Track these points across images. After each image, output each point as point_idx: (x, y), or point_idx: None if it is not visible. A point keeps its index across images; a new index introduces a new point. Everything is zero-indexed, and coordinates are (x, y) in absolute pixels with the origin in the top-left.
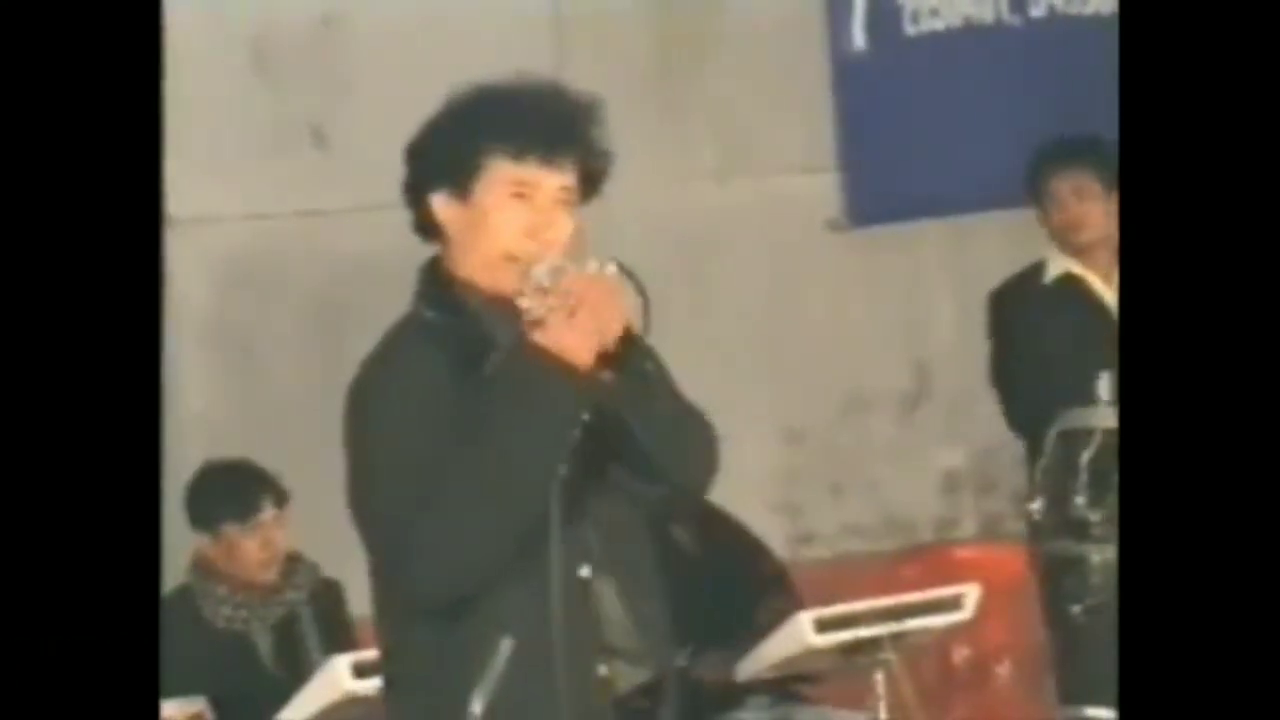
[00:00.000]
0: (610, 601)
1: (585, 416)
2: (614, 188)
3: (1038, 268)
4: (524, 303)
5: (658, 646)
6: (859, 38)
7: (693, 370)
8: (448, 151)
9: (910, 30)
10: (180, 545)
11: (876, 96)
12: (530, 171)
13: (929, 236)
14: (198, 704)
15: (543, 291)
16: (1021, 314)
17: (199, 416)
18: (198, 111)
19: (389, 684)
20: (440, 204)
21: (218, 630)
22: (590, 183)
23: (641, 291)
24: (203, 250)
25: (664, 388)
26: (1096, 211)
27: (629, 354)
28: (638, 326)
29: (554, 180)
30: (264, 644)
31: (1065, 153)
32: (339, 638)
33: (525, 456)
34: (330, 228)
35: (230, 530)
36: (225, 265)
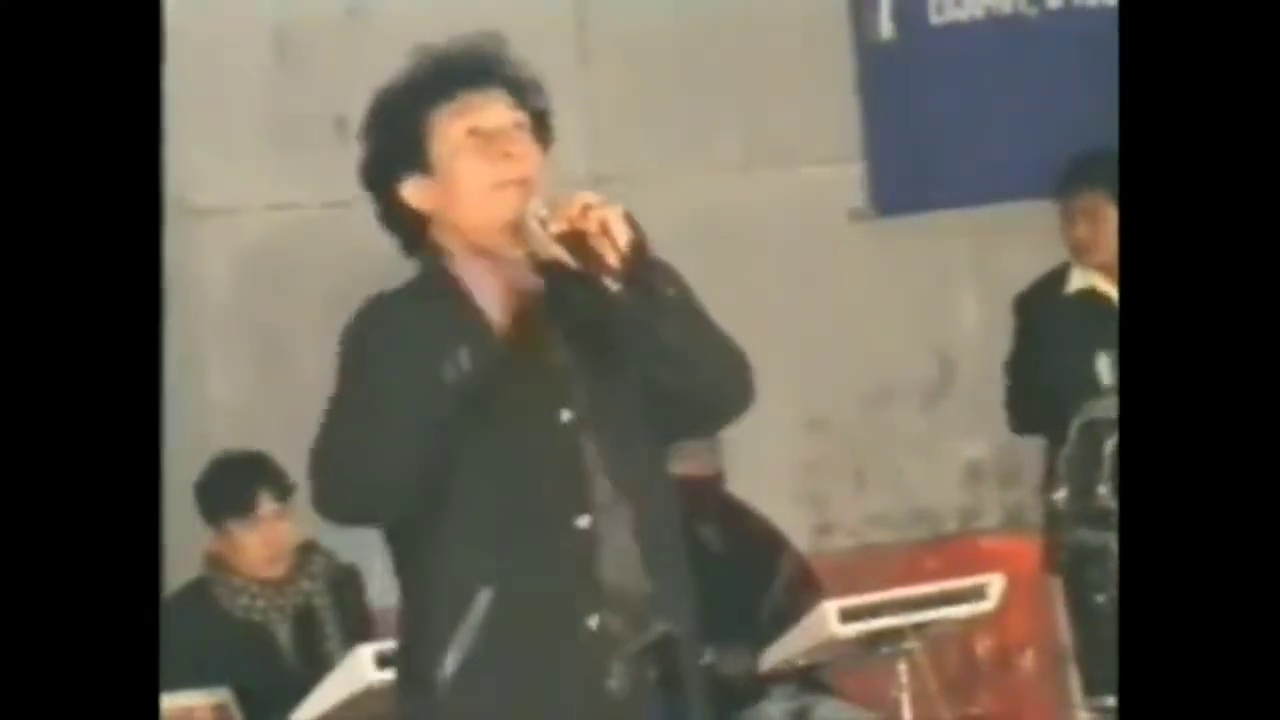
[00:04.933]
0: (617, 554)
1: (465, 362)
2: (638, 177)
3: (1061, 275)
4: (530, 232)
5: (670, 603)
6: (885, 27)
7: None
8: (392, 138)
9: (936, 20)
10: (198, 538)
11: (902, 86)
12: (465, 101)
13: (953, 227)
14: (221, 694)
15: (542, 222)
16: (1041, 323)
17: (219, 406)
18: (220, 102)
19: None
20: (412, 190)
21: (237, 621)
22: (539, 118)
23: (639, 230)
24: (225, 241)
25: (687, 309)
26: (1108, 233)
27: (644, 272)
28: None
29: (496, 105)
30: (283, 634)
31: (1082, 172)
32: (359, 627)
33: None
34: (353, 219)
35: (233, 527)
36: (247, 256)
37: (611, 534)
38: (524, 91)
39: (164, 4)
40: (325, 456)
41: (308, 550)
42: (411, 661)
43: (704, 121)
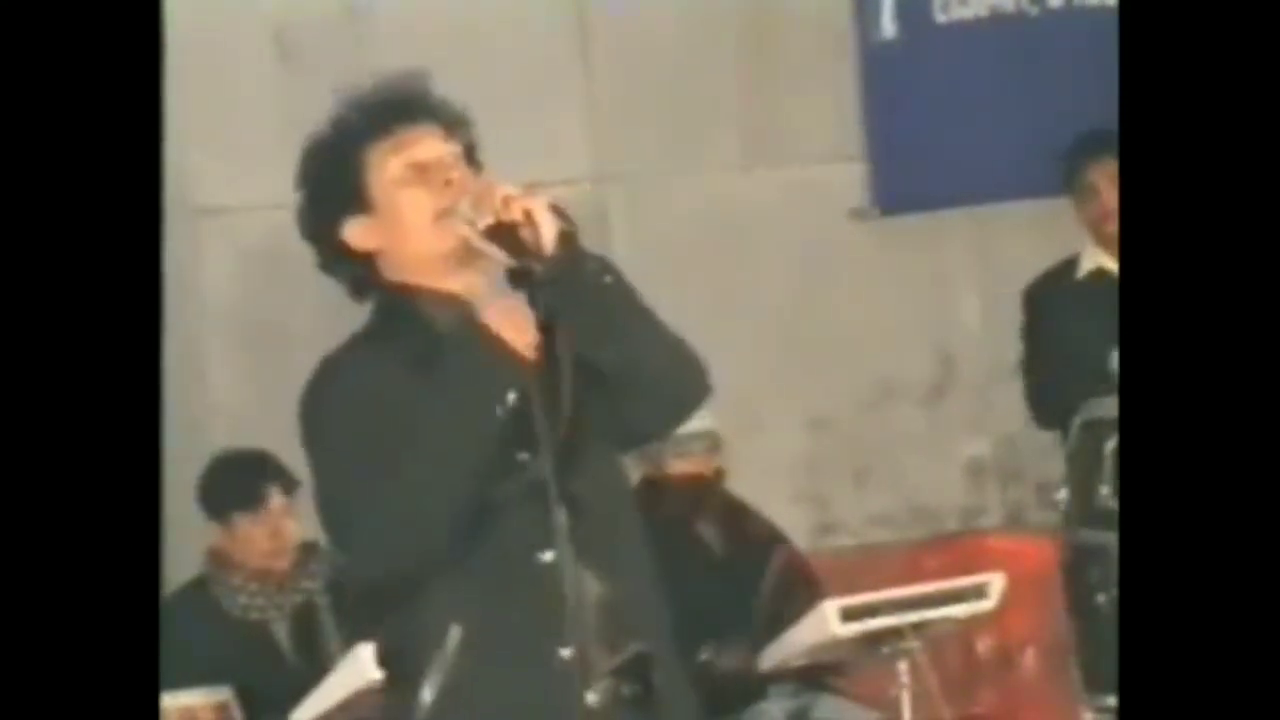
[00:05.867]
0: (585, 584)
1: (511, 397)
2: (639, 177)
3: (1071, 263)
4: (468, 240)
5: (642, 623)
6: (888, 26)
7: (717, 360)
8: (330, 182)
9: (940, 19)
10: (198, 537)
11: (905, 85)
12: (402, 135)
13: (955, 226)
14: (223, 693)
15: (470, 223)
16: (1054, 309)
17: (224, 405)
18: (222, 102)
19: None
20: (356, 231)
21: (236, 620)
22: (470, 151)
23: (568, 220)
24: (229, 240)
25: (625, 297)
26: None
27: (576, 261)
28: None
29: (432, 139)
30: (282, 633)
31: (1103, 142)
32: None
33: (454, 441)
34: None
35: (239, 520)
36: (251, 254)
37: (577, 564)
38: (454, 125)
39: (165, 4)
40: (371, 527)
41: (309, 549)
42: (393, 691)
43: (706, 120)
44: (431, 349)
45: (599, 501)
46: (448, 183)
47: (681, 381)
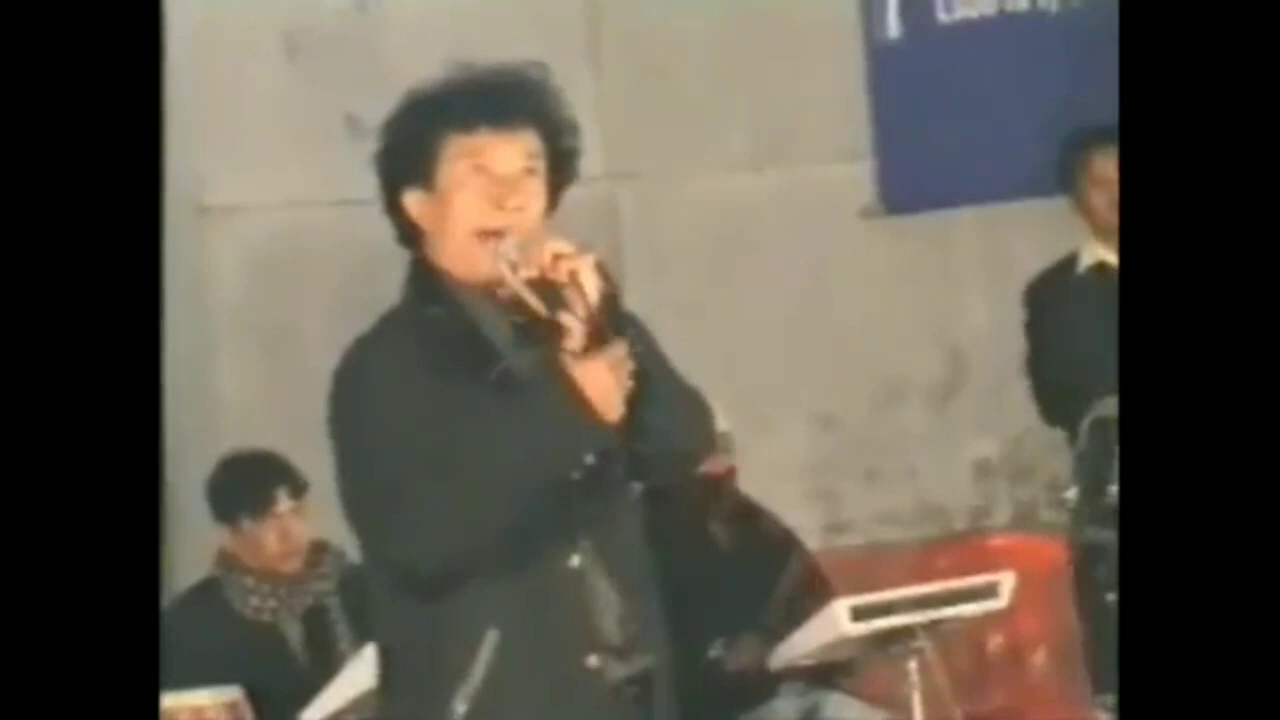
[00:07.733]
0: (603, 592)
1: (589, 460)
2: (649, 176)
3: (1071, 259)
4: (504, 280)
5: (650, 637)
6: (893, 26)
7: (727, 358)
8: (408, 145)
9: (944, 18)
10: (207, 536)
11: (911, 85)
12: (482, 139)
13: (963, 225)
14: (233, 693)
15: (512, 266)
16: (1055, 305)
17: (232, 404)
18: (232, 101)
19: (381, 677)
20: (414, 202)
21: (247, 621)
22: (563, 158)
23: (610, 283)
24: (237, 239)
25: (649, 369)
26: None
27: (613, 322)
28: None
29: (511, 148)
30: (293, 634)
31: (1098, 137)
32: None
33: (522, 468)
34: (365, 216)
35: (248, 523)
36: (260, 254)
37: (598, 572)
38: (557, 131)
39: (174, 3)
40: (420, 523)
41: (319, 549)
42: (420, 704)
43: (715, 120)
44: (468, 340)
45: (619, 520)
46: (500, 207)
47: (693, 437)
